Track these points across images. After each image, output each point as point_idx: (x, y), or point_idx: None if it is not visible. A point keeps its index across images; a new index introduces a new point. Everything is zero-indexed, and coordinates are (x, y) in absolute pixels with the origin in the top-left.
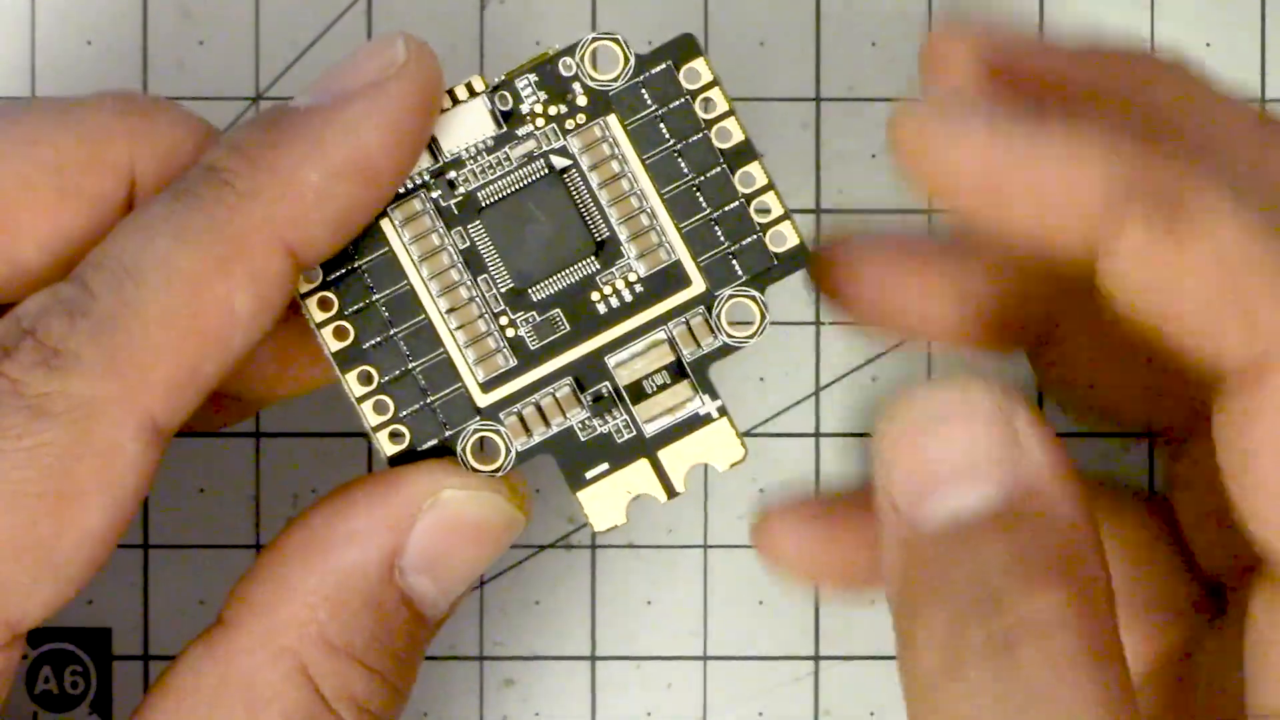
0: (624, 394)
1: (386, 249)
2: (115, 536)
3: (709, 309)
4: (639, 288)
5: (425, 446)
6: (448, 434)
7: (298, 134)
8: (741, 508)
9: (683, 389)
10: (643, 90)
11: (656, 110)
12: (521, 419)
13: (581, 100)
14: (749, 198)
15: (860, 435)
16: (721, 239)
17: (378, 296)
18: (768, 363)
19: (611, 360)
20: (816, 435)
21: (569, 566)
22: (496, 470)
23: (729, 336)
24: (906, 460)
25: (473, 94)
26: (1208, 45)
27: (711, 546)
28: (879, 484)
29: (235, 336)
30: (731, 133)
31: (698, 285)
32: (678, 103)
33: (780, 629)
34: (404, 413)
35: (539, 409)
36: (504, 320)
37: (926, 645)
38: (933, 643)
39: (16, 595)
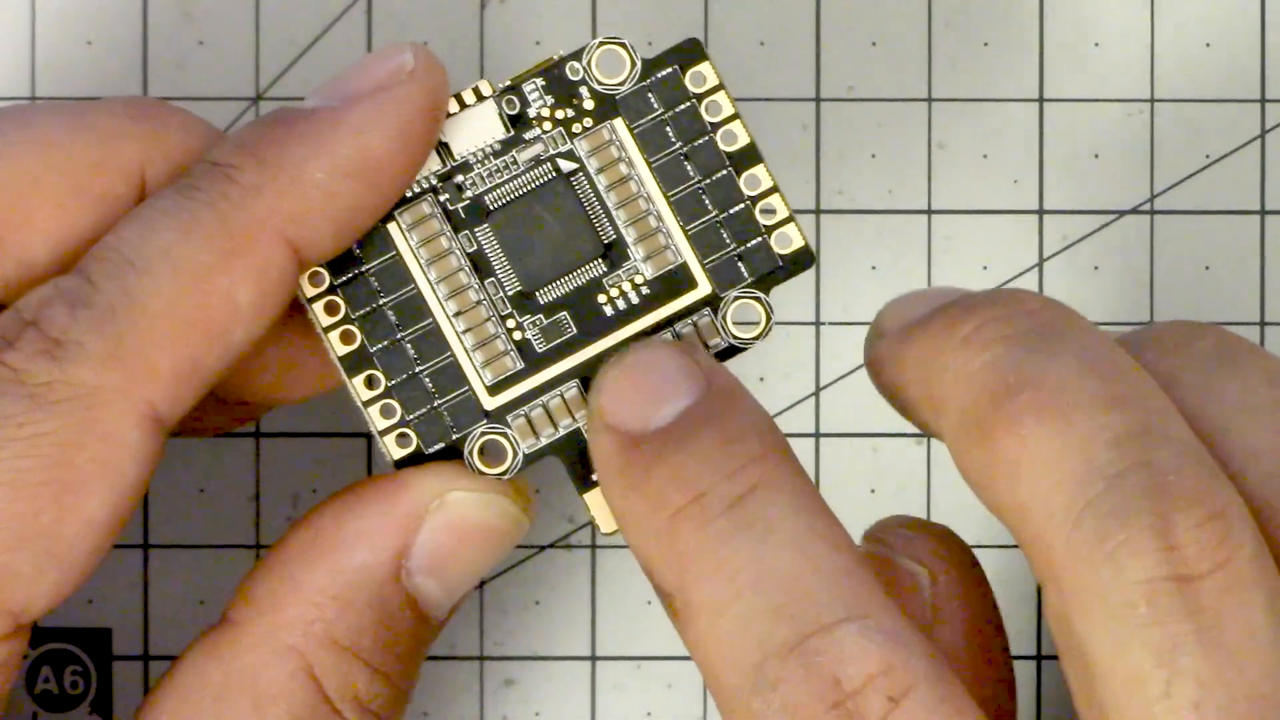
0: None
1: (394, 253)
2: (117, 526)
3: (715, 311)
4: (646, 290)
5: (432, 450)
6: (455, 437)
7: (304, 133)
8: None
9: None
10: (649, 94)
11: (662, 114)
12: (529, 421)
13: (588, 104)
14: (754, 200)
15: (860, 436)
16: (727, 241)
17: (385, 300)
18: (768, 363)
19: None
20: (816, 435)
21: (569, 566)
22: (504, 473)
23: (734, 338)
24: (626, 391)
25: (480, 98)
26: (1208, 45)
27: None
28: (595, 415)
29: (237, 330)
30: (737, 135)
31: (704, 287)
32: (684, 106)
33: None
34: (411, 416)
35: (546, 411)
36: (511, 323)
37: (665, 503)
38: (680, 500)
39: (20, 584)
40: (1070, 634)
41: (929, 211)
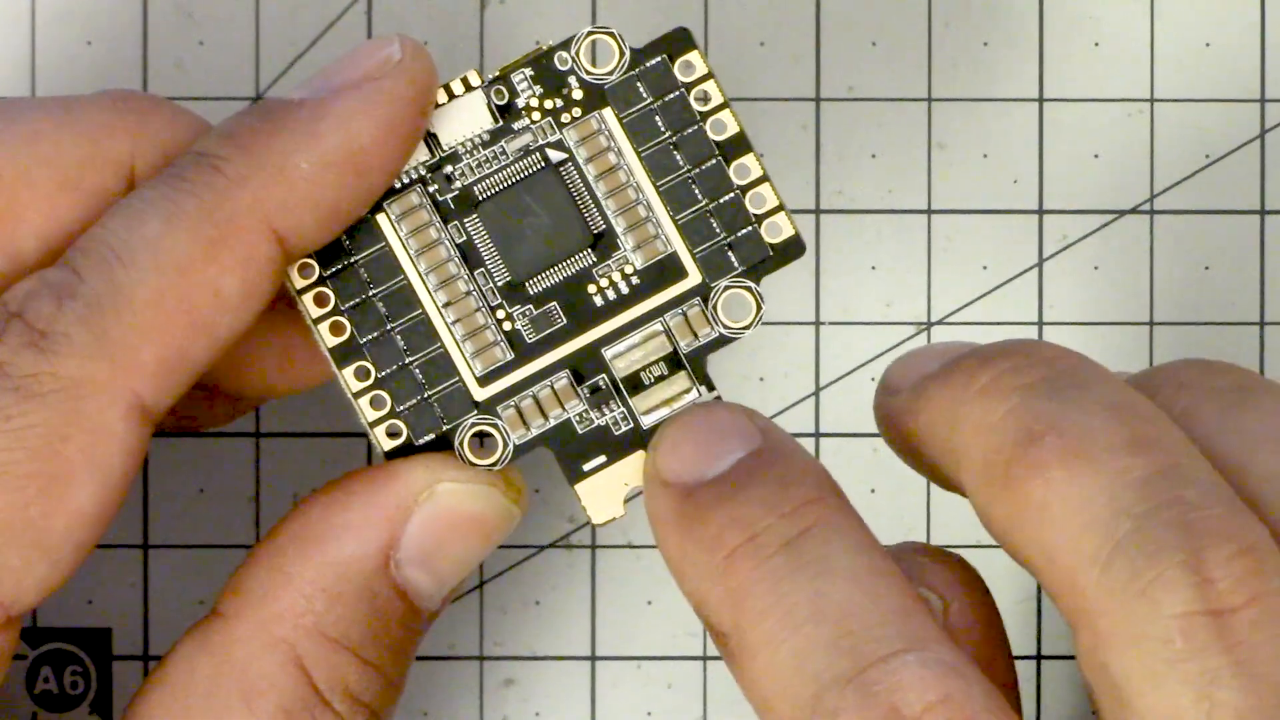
0: (621, 386)
1: (383, 244)
2: (105, 518)
3: (705, 300)
4: (635, 280)
5: (423, 441)
6: (445, 428)
7: (290, 123)
8: None
9: (680, 380)
10: (638, 83)
11: (652, 103)
12: (519, 412)
13: (577, 94)
14: (744, 189)
15: (860, 436)
16: (717, 230)
17: (375, 291)
18: (768, 363)
19: (609, 352)
20: (816, 435)
21: (569, 566)
22: (494, 464)
23: (725, 327)
24: (682, 448)
25: (469, 89)
26: (1207, 45)
27: None
28: (651, 473)
29: (223, 320)
30: (727, 125)
31: (694, 277)
32: (673, 95)
33: None
34: (401, 407)
35: (536, 402)
36: (501, 314)
37: (721, 545)
38: (736, 540)
39: (9, 576)
40: (1105, 675)
41: (929, 211)
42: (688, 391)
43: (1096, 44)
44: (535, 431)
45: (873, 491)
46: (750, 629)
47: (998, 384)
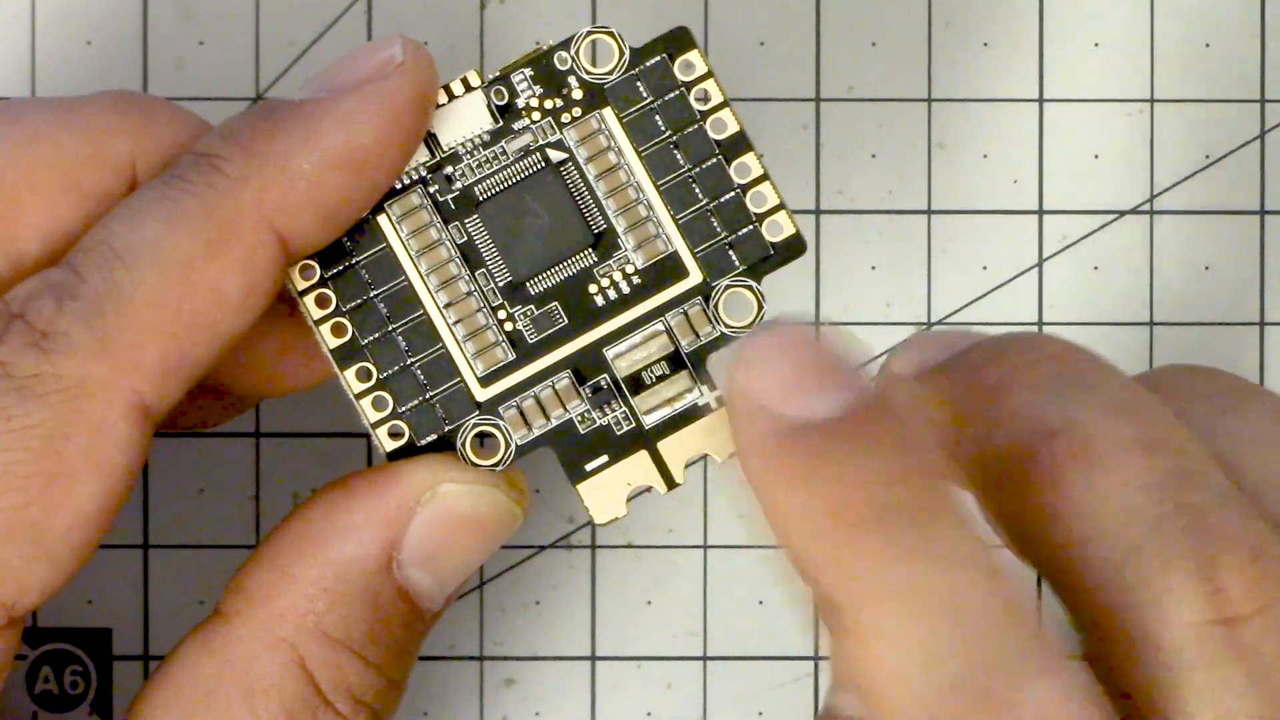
0: (623, 386)
1: (384, 245)
2: (107, 519)
3: (706, 299)
4: (636, 279)
5: (424, 442)
6: (447, 429)
7: (291, 123)
8: (741, 508)
9: (681, 380)
10: (638, 83)
11: (652, 102)
12: (521, 412)
13: (577, 94)
14: (745, 188)
15: None
16: (718, 229)
17: (376, 292)
18: None
19: (610, 352)
20: None
21: (569, 566)
22: (496, 464)
23: (727, 327)
24: (779, 368)
25: (469, 89)
26: (1208, 45)
27: (711, 547)
28: (740, 393)
29: (224, 320)
30: (727, 124)
31: (695, 276)
32: (673, 95)
33: (779, 629)
34: (403, 408)
35: (538, 402)
36: (502, 314)
37: (842, 508)
38: (861, 507)
39: (11, 577)
40: (1115, 683)
41: (929, 211)
42: (689, 391)
43: (1096, 44)
44: (537, 432)
45: None
46: (871, 608)
47: (1005, 382)
